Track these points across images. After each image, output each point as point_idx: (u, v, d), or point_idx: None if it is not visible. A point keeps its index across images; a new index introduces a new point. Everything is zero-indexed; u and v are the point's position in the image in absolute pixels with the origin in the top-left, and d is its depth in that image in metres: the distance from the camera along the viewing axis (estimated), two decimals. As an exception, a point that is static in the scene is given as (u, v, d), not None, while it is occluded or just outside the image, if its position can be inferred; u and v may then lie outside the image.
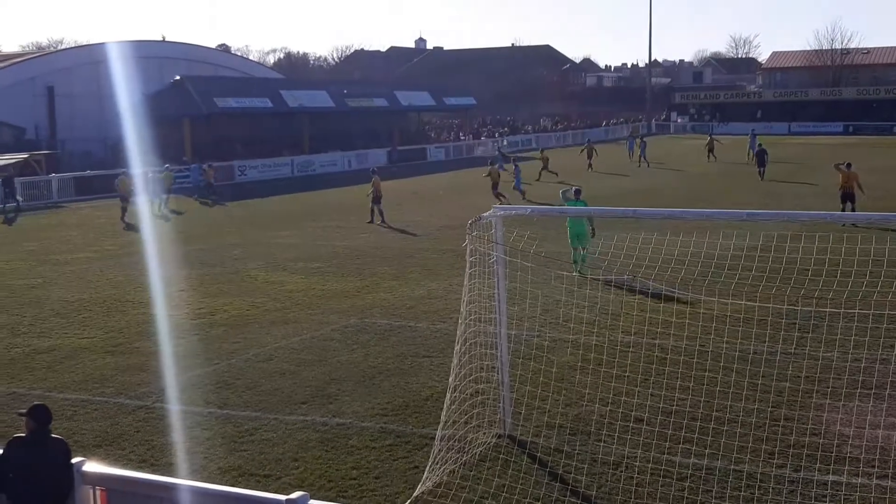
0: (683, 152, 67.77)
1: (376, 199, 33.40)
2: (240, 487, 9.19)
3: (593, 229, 21.01)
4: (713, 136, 61.89)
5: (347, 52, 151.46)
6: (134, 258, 26.39)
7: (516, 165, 41.79)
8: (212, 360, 15.39)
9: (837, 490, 9.63)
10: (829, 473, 10.07)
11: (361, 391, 13.52)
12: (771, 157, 48.50)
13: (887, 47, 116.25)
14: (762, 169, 45.70)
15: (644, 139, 62.58)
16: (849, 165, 30.47)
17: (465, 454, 10.71)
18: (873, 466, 10.11)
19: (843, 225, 23.81)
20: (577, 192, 22.43)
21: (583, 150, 56.24)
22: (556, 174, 47.11)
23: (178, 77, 62.01)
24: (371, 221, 32.71)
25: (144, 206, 36.95)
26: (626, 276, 15.62)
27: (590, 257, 20.62)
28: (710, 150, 58.64)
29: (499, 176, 38.71)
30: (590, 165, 53.67)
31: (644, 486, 9.84)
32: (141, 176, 41.82)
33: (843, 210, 28.47)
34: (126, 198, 36.59)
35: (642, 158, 57.33)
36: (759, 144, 48.27)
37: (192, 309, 19.33)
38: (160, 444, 11.73)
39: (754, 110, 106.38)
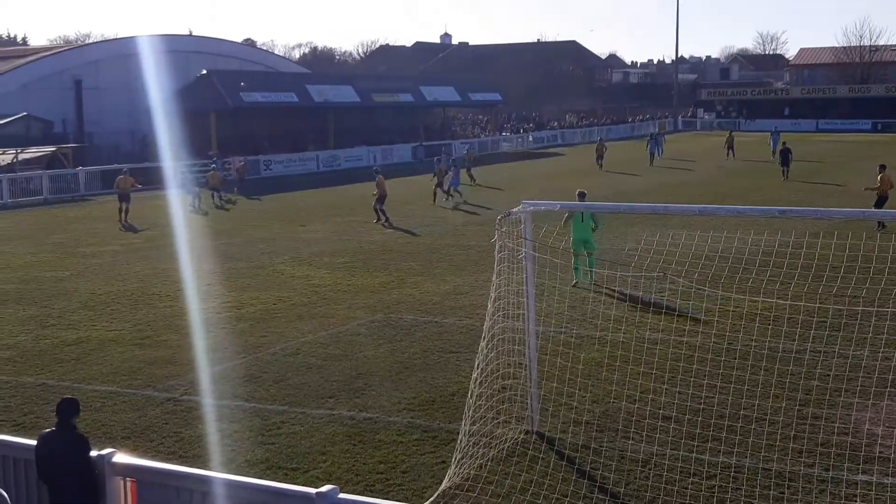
0: (708, 148, 67.32)
1: (380, 199, 31.98)
2: (268, 480, 9.22)
3: (595, 224, 19.69)
4: (733, 133, 61.55)
5: (373, 47, 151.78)
6: (160, 252, 26.53)
7: (455, 168, 38.55)
8: (239, 354, 15.45)
9: (868, 490, 9.55)
10: (859, 473, 9.99)
11: (388, 386, 13.53)
12: (799, 154, 48.11)
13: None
14: (786, 168, 44.93)
15: (655, 136, 61.92)
16: (883, 168, 28.77)
17: (492, 449, 10.69)
18: (905, 467, 10.01)
19: (879, 229, 23.36)
20: (582, 195, 20.32)
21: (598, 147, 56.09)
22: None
23: (204, 71, 62.27)
24: (378, 221, 31.50)
25: (175, 201, 36.54)
26: (655, 274, 15.56)
27: (601, 256, 19.80)
28: (730, 147, 58.18)
29: (444, 175, 37.66)
30: (600, 165, 53.42)
31: (672, 484, 9.80)
32: (174, 170, 41.94)
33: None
34: (128, 196, 34.29)
35: (657, 155, 57.46)
36: (784, 143, 47.32)
37: (219, 302, 19.42)
38: (188, 436, 11.79)
39: (781, 107, 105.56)
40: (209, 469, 9.77)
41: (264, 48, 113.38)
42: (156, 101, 50.66)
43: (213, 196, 39.82)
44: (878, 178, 28.10)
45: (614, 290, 18.04)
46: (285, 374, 14.22)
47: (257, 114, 64.43)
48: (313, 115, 68.83)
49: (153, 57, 56.12)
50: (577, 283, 19.03)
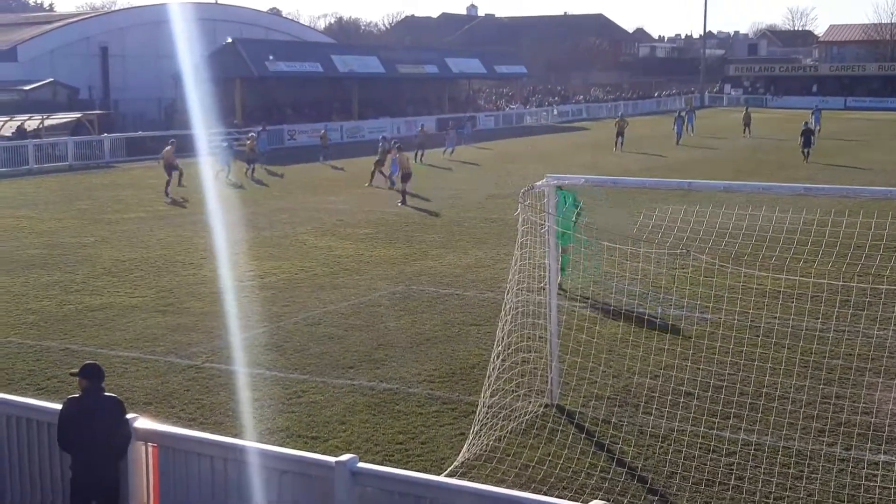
0: (734, 125, 66.76)
1: (404, 177, 29.97)
2: (288, 448, 9.28)
3: (578, 211, 16.76)
4: (750, 110, 60.73)
5: (398, 18, 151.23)
6: (185, 219, 26.65)
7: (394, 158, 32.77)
8: (261, 322, 15.52)
9: (889, 470, 9.50)
10: (879, 453, 9.94)
11: (409, 357, 13.57)
12: (827, 132, 47.54)
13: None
14: (807, 150, 41.69)
15: (683, 113, 60.84)
16: None
17: (511, 422, 10.72)
18: (927, 448, 9.96)
19: None
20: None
21: (617, 124, 51.49)
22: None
23: (230, 39, 62.24)
24: (403, 203, 29.19)
25: (203, 169, 35.70)
26: (679, 251, 15.45)
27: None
28: (747, 125, 57.22)
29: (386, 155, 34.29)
30: (620, 143, 49.21)
31: (692, 459, 9.78)
32: (208, 138, 41.18)
33: None
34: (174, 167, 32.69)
35: (689, 130, 56.37)
36: (806, 123, 44.48)
37: (243, 271, 19.50)
38: (209, 403, 11.88)
39: (810, 84, 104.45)
40: (230, 436, 9.85)
41: (290, 17, 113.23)
42: (181, 69, 50.71)
43: (247, 170, 38.31)
44: None
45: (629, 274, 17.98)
46: (307, 344, 14.28)
47: (282, 83, 64.36)
48: (338, 86, 68.69)
49: (179, 24, 56.13)
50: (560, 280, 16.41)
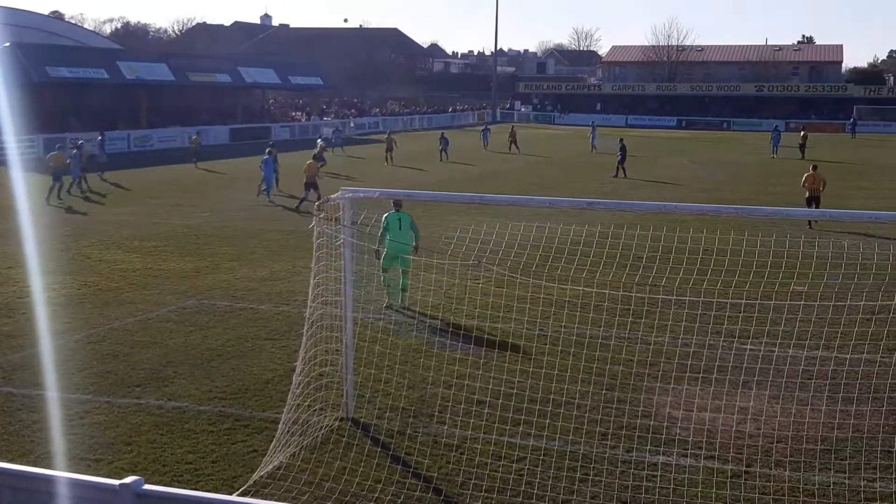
0: (526, 140, 69.03)
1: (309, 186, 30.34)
2: (69, 472, 8.80)
3: (416, 246, 17.09)
4: (514, 127, 63.47)
5: (189, 25, 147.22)
6: (-45, 232, 24.92)
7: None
8: (40, 341, 14.68)
9: (667, 471, 10.02)
10: (659, 455, 10.46)
11: (199, 374, 13.19)
12: (609, 149, 49.91)
13: (720, 45, 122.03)
14: (621, 166, 43.21)
15: (488, 127, 63.61)
16: (815, 167, 28.85)
17: (306, 437, 10.60)
18: (700, 448, 10.57)
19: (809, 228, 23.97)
20: (398, 203, 16.91)
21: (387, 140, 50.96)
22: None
23: (7, 44, 58.78)
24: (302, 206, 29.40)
25: None
26: (471, 262, 15.79)
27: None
28: (513, 142, 58.97)
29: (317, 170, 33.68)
30: (388, 158, 49.38)
31: (483, 467, 9.99)
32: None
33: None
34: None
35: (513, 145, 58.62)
36: (621, 139, 45.53)
37: (20, 287, 18.42)
38: (-18, 428, 11.12)
39: (594, 102, 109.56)
40: (4, 461, 9.24)
41: (73, 21, 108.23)
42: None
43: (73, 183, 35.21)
44: (804, 177, 28.43)
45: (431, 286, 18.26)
46: (90, 363, 13.62)
47: (64, 90, 61.41)
48: (125, 93, 66.23)
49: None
50: (389, 304, 16.77)
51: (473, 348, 13.72)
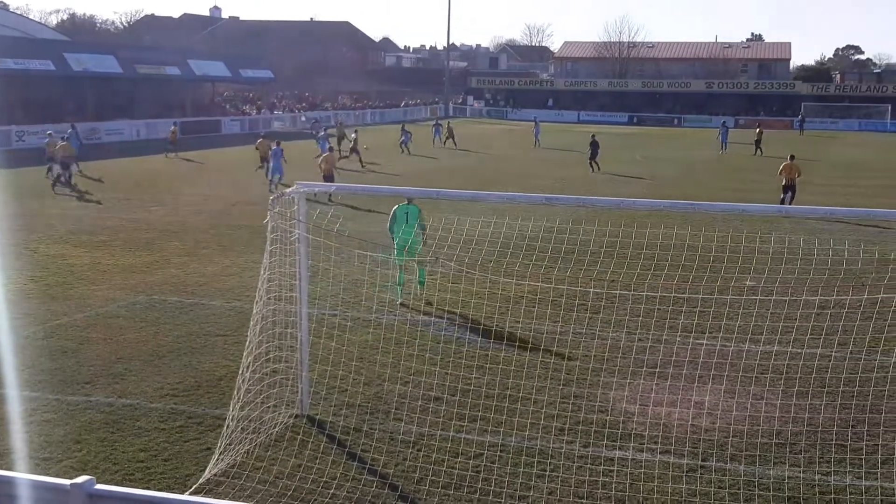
0: (478, 135, 69.15)
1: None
2: (17, 472, 8.58)
3: (425, 239, 16.89)
4: (450, 124, 63.32)
5: (137, 17, 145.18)
6: None
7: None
8: (-15, 338, 14.33)
9: (623, 466, 10.03)
10: (615, 449, 10.47)
11: (150, 370, 12.95)
12: (561, 144, 50.19)
13: (671, 42, 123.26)
14: (593, 161, 44.32)
15: (440, 123, 63.75)
16: (792, 157, 30.85)
17: (260, 435, 10.45)
18: (656, 442, 10.59)
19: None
20: (409, 200, 16.79)
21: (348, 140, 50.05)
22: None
23: (-52, 33, 57.63)
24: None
25: None
26: (427, 259, 15.73)
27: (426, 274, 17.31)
28: (451, 136, 59.40)
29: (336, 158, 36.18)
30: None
31: (440, 464, 9.92)
32: None
33: (783, 201, 29.10)
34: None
35: (449, 140, 58.90)
36: (593, 135, 46.81)
37: (-37, 282, 17.99)
38: (-76, 427, 10.81)
39: (546, 98, 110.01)
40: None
41: (18, 12, 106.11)
42: None
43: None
44: (782, 167, 30.75)
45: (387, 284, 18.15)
46: (38, 359, 13.32)
47: (9, 81, 60.15)
48: (72, 85, 65.08)
49: None
50: (402, 301, 16.47)
51: (430, 345, 13.63)
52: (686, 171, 45.63)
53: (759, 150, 56.09)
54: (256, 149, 40.02)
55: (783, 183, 30.19)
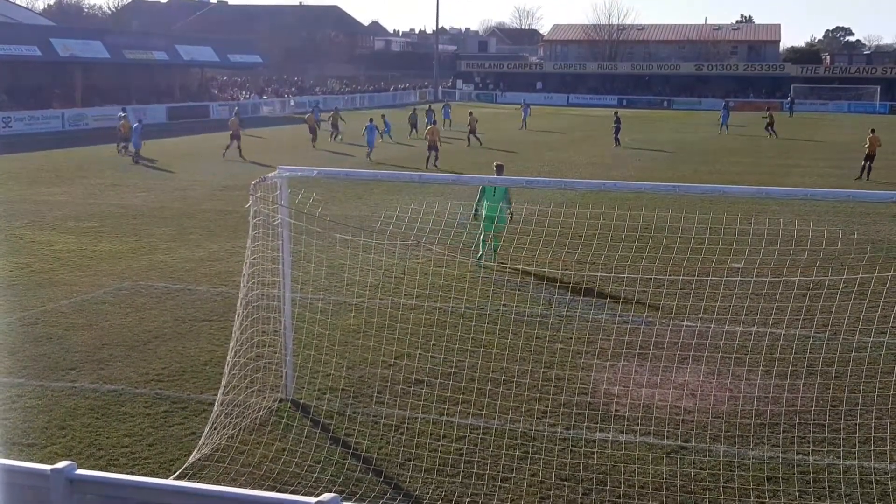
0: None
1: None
2: (0, 458, 8.62)
3: (512, 213, 17.52)
4: (417, 111, 62.35)
5: (125, 2, 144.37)
6: None
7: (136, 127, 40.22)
8: (-30, 325, 14.34)
9: (605, 448, 10.10)
10: (598, 431, 10.54)
11: (135, 356, 12.98)
12: (553, 126, 50.24)
13: (660, 24, 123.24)
14: (616, 137, 48.65)
15: (448, 104, 64.17)
16: (873, 130, 35.66)
17: (244, 419, 10.50)
18: (639, 424, 10.66)
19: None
20: (500, 167, 17.75)
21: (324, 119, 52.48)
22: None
23: (-67, 19, 57.25)
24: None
25: None
26: (410, 242, 15.73)
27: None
28: (414, 126, 55.12)
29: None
30: (336, 136, 49.92)
31: (423, 447, 9.97)
32: None
33: (864, 168, 34.12)
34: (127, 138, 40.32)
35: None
36: (616, 113, 51.87)
37: (-52, 269, 17.95)
38: None
39: (535, 81, 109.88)
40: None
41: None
42: None
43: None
44: (868, 139, 35.11)
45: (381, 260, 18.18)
46: (22, 346, 13.33)
47: (-5, 67, 59.97)
48: (58, 71, 64.81)
49: None
50: (481, 256, 17.38)
51: (412, 328, 13.68)
52: (676, 153, 45.63)
53: (772, 133, 54.97)
54: (306, 121, 47.11)
55: (867, 152, 34.32)
